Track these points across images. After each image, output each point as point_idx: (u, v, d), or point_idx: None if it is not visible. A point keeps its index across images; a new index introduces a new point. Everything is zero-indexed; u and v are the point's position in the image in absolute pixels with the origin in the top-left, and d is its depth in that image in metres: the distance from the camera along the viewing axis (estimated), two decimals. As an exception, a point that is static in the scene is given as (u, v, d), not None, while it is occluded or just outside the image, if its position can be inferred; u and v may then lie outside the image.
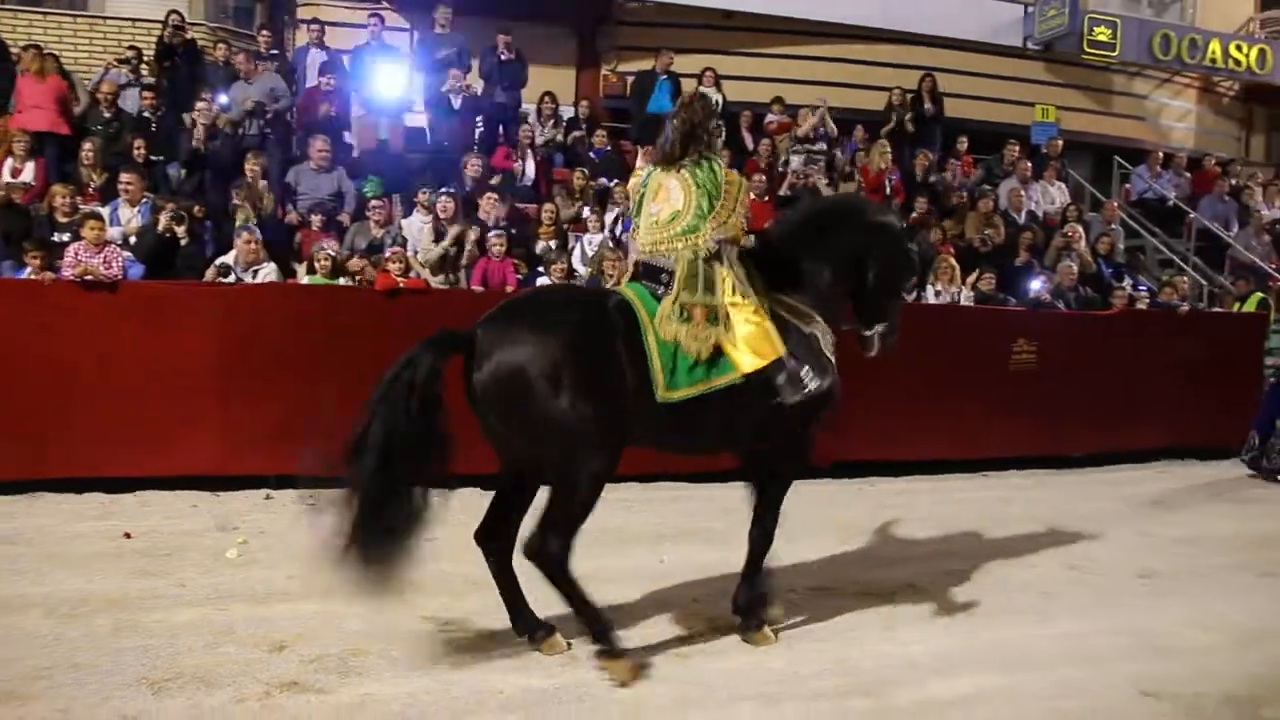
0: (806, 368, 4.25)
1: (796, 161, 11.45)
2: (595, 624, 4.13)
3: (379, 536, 3.80)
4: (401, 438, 3.80)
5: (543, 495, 4.19)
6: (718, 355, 4.16)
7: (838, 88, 14.21)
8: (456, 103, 10.56)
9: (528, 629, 4.34)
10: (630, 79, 13.39)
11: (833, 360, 4.44)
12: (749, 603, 4.57)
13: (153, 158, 9.39)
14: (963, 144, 12.74)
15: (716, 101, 11.65)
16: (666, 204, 4.37)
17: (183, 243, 7.91)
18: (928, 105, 12.85)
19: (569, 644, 4.31)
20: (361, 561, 3.80)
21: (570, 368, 3.92)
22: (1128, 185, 14.60)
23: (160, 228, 7.85)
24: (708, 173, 4.32)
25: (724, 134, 4.72)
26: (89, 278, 7.06)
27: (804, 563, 5.68)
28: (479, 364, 3.97)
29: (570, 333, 4.01)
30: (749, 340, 4.18)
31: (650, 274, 4.34)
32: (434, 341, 3.99)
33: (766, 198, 10.38)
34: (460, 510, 6.60)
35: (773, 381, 4.21)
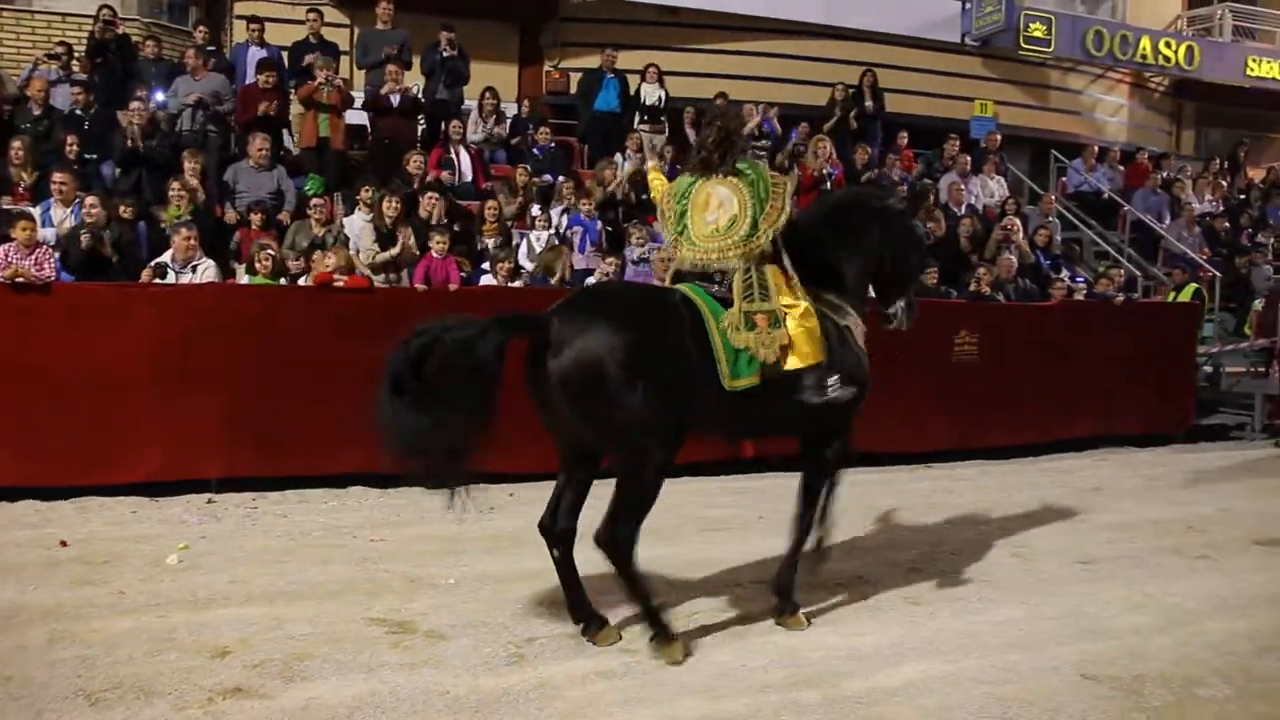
0: (835, 376, 4.43)
1: (740, 157, 11.47)
2: (651, 612, 4.24)
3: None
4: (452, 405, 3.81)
5: (599, 486, 4.27)
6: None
7: (781, 84, 14.34)
8: (395, 100, 10.43)
9: (583, 619, 4.41)
10: (574, 75, 13.36)
11: (864, 350, 4.71)
12: (784, 587, 4.73)
13: (86, 156, 9.16)
14: (903, 139, 12.89)
15: (660, 97, 11.74)
16: (722, 211, 4.49)
17: (113, 261, 7.67)
18: (869, 101, 12.98)
19: (620, 634, 4.40)
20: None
21: (648, 360, 4.03)
22: (1064, 179, 14.90)
23: (83, 246, 7.56)
24: (756, 174, 4.50)
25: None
26: (20, 280, 6.88)
27: (750, 556, 5.71)
28: (556, 351, 4.00)
29: (648, 325, 4.13)
30: (796, 341, 4.33)
31: (702, 276, 4.47)
32: (504, 321, 3.99)
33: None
34: (406, 510, 6.58)
35: (802, 383, 4.38)
